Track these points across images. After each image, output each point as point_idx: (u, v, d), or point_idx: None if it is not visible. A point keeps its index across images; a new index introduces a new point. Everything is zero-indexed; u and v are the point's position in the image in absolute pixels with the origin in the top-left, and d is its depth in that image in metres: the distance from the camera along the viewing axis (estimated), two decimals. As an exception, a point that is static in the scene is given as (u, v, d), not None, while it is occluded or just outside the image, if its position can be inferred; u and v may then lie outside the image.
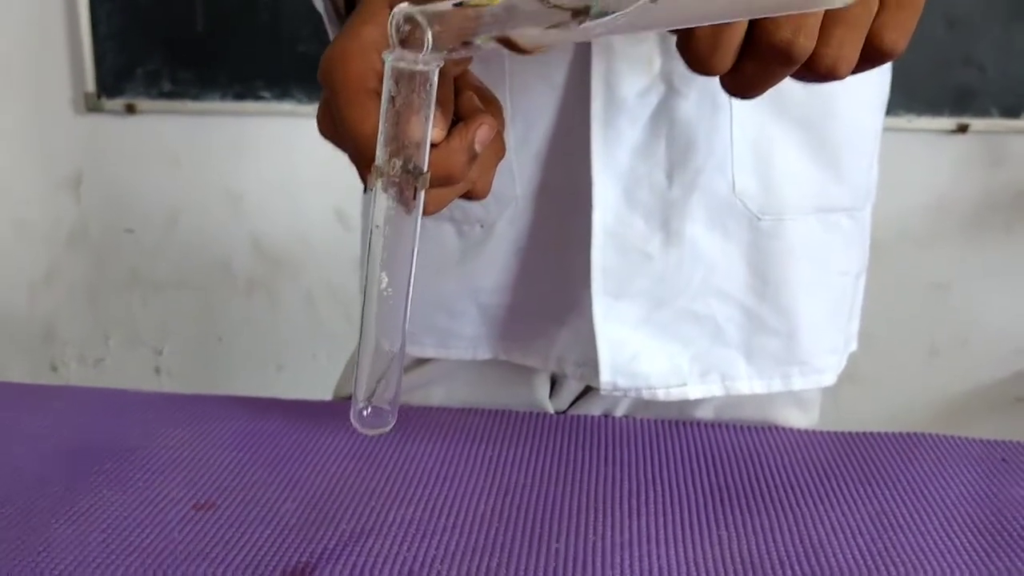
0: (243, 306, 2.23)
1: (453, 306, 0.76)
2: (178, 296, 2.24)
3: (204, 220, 2.17)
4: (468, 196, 0.46)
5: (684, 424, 0.75)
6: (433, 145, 0.41)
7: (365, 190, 0.42)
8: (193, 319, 2.25)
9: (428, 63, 0.38)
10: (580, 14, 0.35)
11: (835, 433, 0.73)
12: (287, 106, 2.04)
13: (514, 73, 0.68)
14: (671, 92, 0.65)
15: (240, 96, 2.04)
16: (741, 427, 0.74)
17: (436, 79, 0.39)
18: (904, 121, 1.94)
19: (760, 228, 0.70)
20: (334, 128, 0.44)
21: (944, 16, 1.89)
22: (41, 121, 2.16)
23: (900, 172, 1.99)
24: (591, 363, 0.72)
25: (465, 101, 0.45)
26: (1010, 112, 1.95)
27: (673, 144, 0.67)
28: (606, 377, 0.72)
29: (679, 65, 0.64)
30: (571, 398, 0.82)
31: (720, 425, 0.75)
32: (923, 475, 0.66)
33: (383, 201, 0.40)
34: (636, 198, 0.68)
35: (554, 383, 0.81)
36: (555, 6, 0.35)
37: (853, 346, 0.82)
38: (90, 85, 2.08)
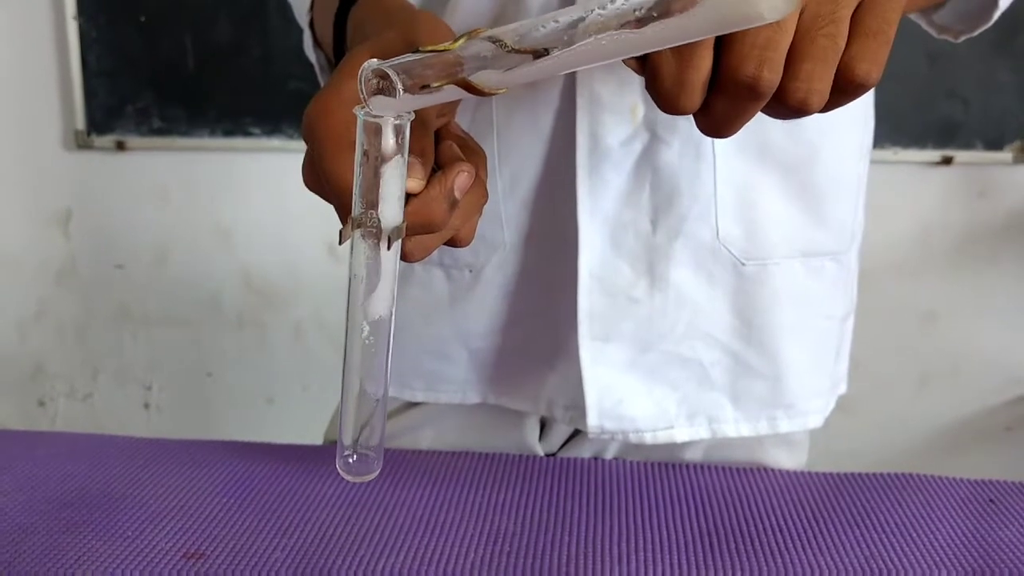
0: (233, 340, 2.22)
1: (443, 350, 0.77)
2: (168, 332, 2.23)
3: (194, 255, 2.17)
4: (452, 243, 0.47)
5: (673, 466, 0.75)
6: (413, 194, 0.42)
7: (340, 242, 0.42)
8: (183, 354, 2.24)
9: (399, 116, 0.39)
10: (540, 56, 0.35)
11: (824, 474, 0.74)
12: (276, 142, 2.05)
13: (501, 123, 0.69)
14: (655, 140, 0.66)
15: (229, 133, 2.04)
16: (730, 469, 0.74)
17: (408, 131, 0.39)
18: (890, 153, 1.96)
19: (744, 273, 0.71)
20: (318, 181, 0.44)
21: (927, 51, 1.91)
22: (31, 158, 2.16)
23: (887, 203, 2.00)
24: (579, 406, 0.72)
25: (445, 150, 0.46)
26: (993, 144, 1.96)
27: (657, 191, 0.68)
28: (593, 421, 0.72)
29: (663, 114, 0.65)
30: (561, 441, 0.82)
31: (709, 467, 0.75)
32: (912, 517, 0.66)
33: (361, 251, 0.41)
34: (622, 244, 0.69)
35: (543, 426, 0.81)
36: (514, 50, 0.36)
37: (842, 388, 0.82)
38: (80, 123, 2.08)
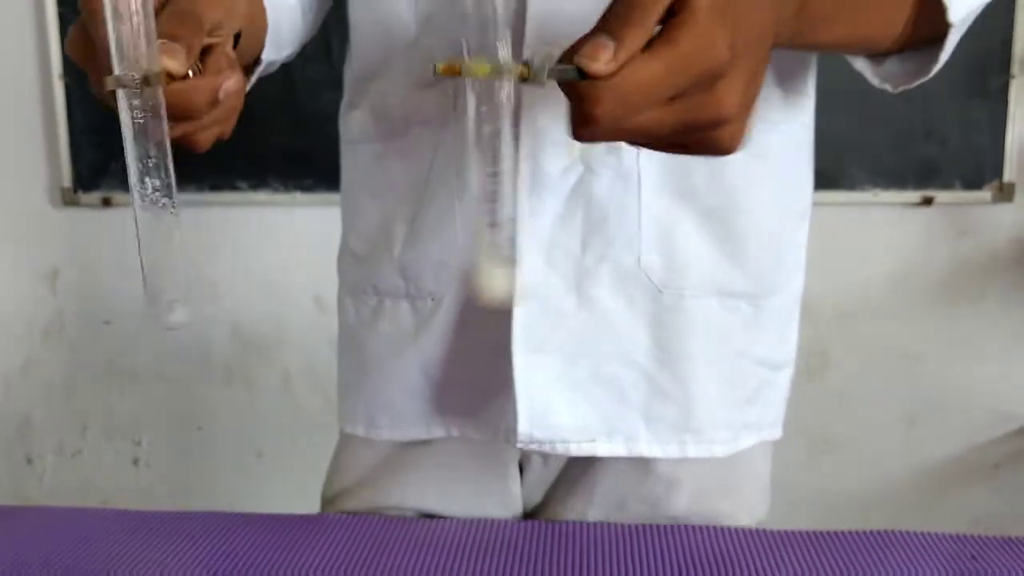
0: (222, 394, 2.22)
1: (408, 383, 0.80)
2: (156, 386, 2.22)
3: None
4: (192, 143, 0.52)
5: (657, 528, 0.75)
6: (179, 78, 0.47)
7: (104, 90, 0.46)
8: (171, 408, 2.24)
9: None
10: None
11: (807, 532, 0.74)
12: (263, 195, 2.06)
13: (449, 161, 0.74)
14: (588, 172, 0.72)
15: (216, 187, 2.06)
16: (714, 529, 0.75)
17: None
18: (870, 195, 1.98)
19: (662, 301, 0.75)
20: (86, 46, 0.49)
21: (904, 93, 1.93)
22: (17, 215, 2.17)
23: (868, 244, 2.02)
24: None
25: (217, 58, 0.52)
26: (972, 184, 1.98)
27: (588, 217, 0.73)
28: (524, 428, 0.75)
29: (597, 148, 0.71)
30: (538, 484, 0.85)
31: (693, 528, 0.75)
32: (894, 577, 0.67)
33: (126, 105, 0.46)
34: (554, 261, 0.73)
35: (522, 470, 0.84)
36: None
37: (776, 434, 0.84)
38: (66, 180, 2.09)
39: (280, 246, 2.09)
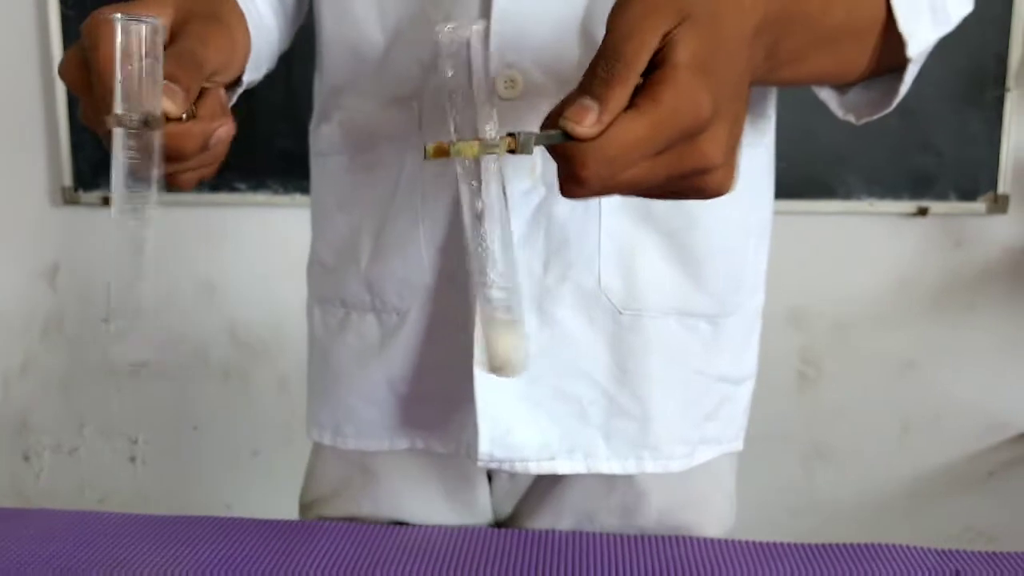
0: (218, 393, 2.23)
1: (374, 395, 0.81)
2: (153, 385, 2.23)
3: (179, 309, 2.18)
4: (179, 183, 0.55)
5: (640, 539, 0.76)
6: (174, 119, 0.49)
7: (108, 126, 0.47)
8: (168, 407, 2.25)
9: (152, 18, 0.47)
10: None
11: (790, 545, 0.75)
12: (262, 197, 2.07)
13: (428, 179, 0.75)
14: (550, 194, 0.72)
15: (215, 188, 2.07)
16: (698, 541, 0.76)
17: (161, 33, 0.47)
18: (866, 205, 1.99)
19: (621, 321, 0.75)
20: (82, 74, 0.50)
21: (901, 104, 1.94)
22: (18, 213, 2.18)
23: (864, 254, 2.04)
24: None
25: (213, 101, 0.54)
26: (967, 195, 2.00)
27: (550, 238, 0.73)
28: (484, 447, 0.76)
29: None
30: (507, 495, 0.86)
31: (676, 539, 0.76)
32: (878, 590, 0.68)
33: (121, 143, 0.47)
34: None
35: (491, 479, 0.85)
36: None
37: (738, 446, 0.85)
38: (67, 179, 2.10)
39: (278, 247, 2.10)
